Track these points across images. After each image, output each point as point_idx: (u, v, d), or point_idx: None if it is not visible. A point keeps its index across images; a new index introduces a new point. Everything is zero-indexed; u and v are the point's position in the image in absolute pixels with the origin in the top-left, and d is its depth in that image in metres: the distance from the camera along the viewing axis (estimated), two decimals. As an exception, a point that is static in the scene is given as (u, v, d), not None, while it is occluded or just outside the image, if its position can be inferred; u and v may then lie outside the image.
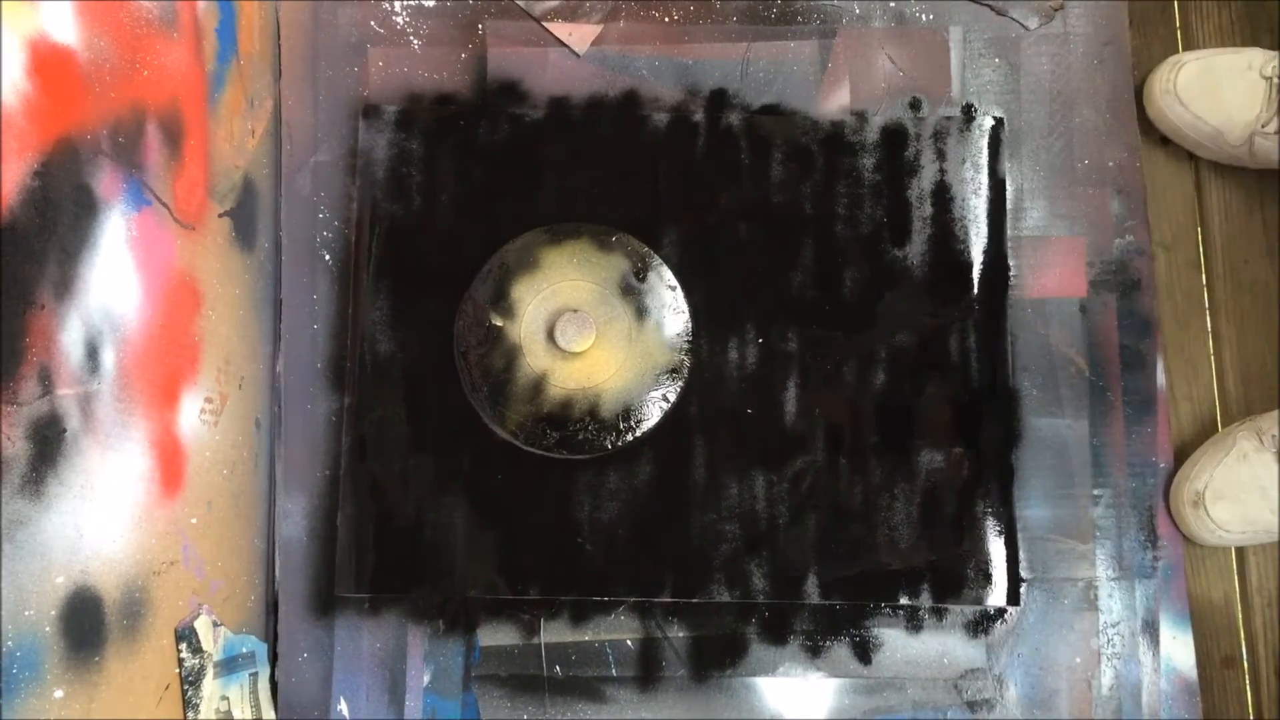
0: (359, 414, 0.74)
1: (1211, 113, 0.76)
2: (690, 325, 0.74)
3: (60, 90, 0.52)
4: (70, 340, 0.52)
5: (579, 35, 0.78)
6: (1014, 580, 0.73)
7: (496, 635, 0.73)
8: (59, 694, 0.50)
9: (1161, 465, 0.76)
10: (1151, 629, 0.75)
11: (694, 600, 0.73)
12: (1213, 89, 0.76)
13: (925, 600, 0.73)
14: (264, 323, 0.74)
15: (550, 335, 0.72)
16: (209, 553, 0.65)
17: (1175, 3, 0.83)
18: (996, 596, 0.73)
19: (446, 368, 0.74)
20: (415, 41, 0.78)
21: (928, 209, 0.76)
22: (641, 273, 0.74)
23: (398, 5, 0.78)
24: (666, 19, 0.78)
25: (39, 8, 0.50)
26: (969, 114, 0.78)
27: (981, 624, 0.74)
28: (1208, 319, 0.80)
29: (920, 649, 0.74)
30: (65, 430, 0.51)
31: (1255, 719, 0.76)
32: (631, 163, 0.76)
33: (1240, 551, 0.78)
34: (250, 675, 0.68)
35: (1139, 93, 0.80)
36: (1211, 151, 0.78)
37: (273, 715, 0.71)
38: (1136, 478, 0.76)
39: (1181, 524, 0.75)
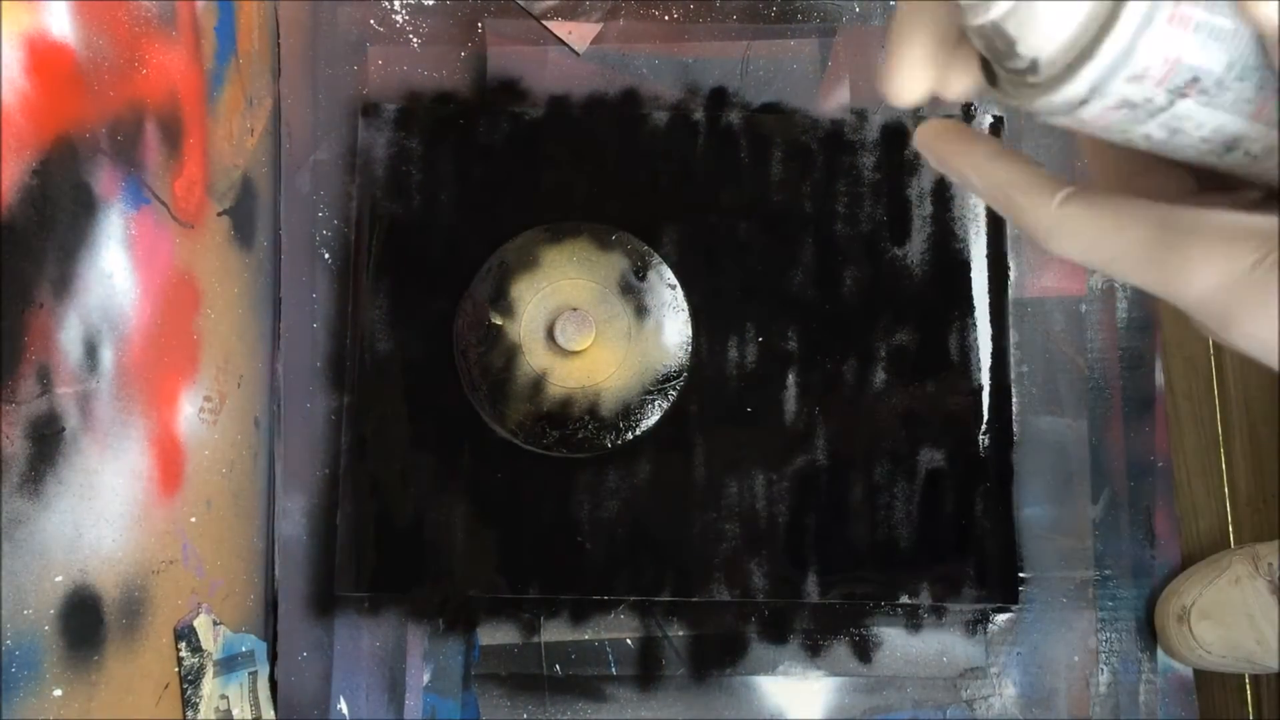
0: (358, 413, 0.74)
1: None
2: (690, 324, 0.74)
3: (59, 88, 0.51)
4: (69, 339, 0.52)
5: (578, 33, 0.78)
6: (1013, 579, 0.73)
7: (496, 634, 0.73)
8: (58, 693, 0.49)
9: (1160, 464, 0.76)
10: (1149, 627, 0.75)
11: (694, 599, 0.73)
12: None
13: (925, 599, 0.73)
14: (263, 321, 0.74)
15: (550, 334, 0.72)
16: (208, 551, 0.65)
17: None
18: (995, 595, 0.73)
19: (446, 366, 0.74)
20: (415, 40, 0.78)
21: (928, 208, 0.76)
22: (641, 271, 0.74)
23: (397, 4, 0.78)
24: (666, 17, 0.78)
25: (38, 6, 0.50)
26: (969, 113, 0.77)
27: (980, 623, 0.74)
28: (1207, 318, 0.80)
29: (920, 648, 0.74)
30: (64, 429, 0.51)
31: (1254, 718, 0.76)
32: (631, 161, 0.76)
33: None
34: (250, 674, 0.68)
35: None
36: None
37: (272, 714, 0.71)
38: (1135, 477, 0.76)
39: (1163, 638, 0.73)
